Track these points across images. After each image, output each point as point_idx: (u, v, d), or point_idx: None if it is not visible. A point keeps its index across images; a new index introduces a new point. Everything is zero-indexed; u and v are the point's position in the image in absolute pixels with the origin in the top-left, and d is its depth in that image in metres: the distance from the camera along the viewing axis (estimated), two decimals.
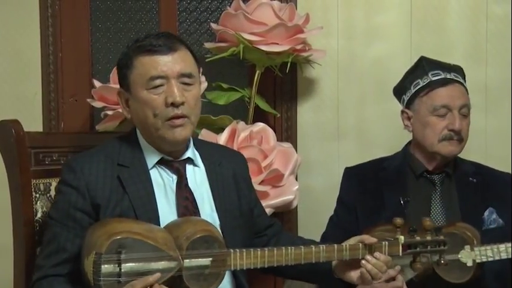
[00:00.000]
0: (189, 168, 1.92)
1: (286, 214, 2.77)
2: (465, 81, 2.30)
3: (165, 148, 1.87)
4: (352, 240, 1.86)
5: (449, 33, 2.81)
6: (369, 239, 1.82)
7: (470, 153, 2.32)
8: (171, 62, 1.82)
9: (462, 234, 2.09)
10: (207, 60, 2.65)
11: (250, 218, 1.99)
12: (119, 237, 1.62)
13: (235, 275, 1.90)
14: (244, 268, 1.74)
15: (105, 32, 2.89)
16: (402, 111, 2.33)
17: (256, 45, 2.53)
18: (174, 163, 1.89)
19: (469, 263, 2.07)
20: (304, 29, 2.60)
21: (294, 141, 2.81)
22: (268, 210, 2.48)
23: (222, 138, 2.48)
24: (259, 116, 2.71)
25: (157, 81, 1.81)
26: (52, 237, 1.79)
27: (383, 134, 2.81)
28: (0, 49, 2.79)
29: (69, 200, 1.79)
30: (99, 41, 2.89)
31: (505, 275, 2.16)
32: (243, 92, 2.69)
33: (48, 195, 1.99)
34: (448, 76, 2.26)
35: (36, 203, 1.96)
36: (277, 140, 2.62)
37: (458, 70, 2.30)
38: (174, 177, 1.88)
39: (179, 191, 1.86)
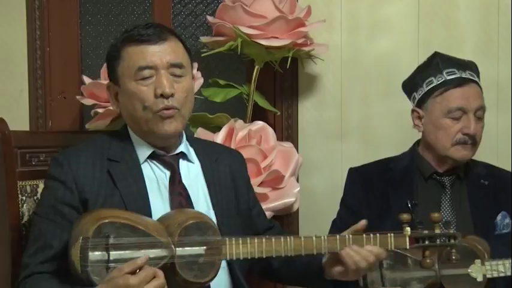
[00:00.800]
0: (182, 163, 1.92)
1: (286, 217, 2.77)
2: (479, 79, 2.29)
3: (156, 142, 1.88)
4: (345, 233, 1.85)
5: (459, 26, 2.82)
6: (358, 224, 1.83)
7: (481, 152, 2.31)
8: (160, 52, 1.83)
9: (473, 248, 2.09)
10: (203, 55, 2.65)
11: (248, 218, 2.00)
12: (106, 221, 1.63)
13: (233, 274, 1.89)
14: (241, 257, 1.73)
15: (96, 25, 2.88)
16: (413, 110, 2.31)
17: (255, 39, 2.52)
18: (167, 158, 1.90)
19: (479, 278, 2.08)
20: (305, 22, 2.59)
21: (295, 141, 2.81)
22: (267, 214, 2.47)
23: (219, 138, 2.47)
24: (258, 114, 2.71)
25: (146, 72, 1.82)
26: (38, 234, 1.79)
27: (389, 133, 2.81)
28: None
29: (56, 195, 1.80)
30: (89, 34, 2.87)
31: None
32: (241, 89, 2.69)
33: (35, 197, 1.99)
34: (464, 75, 2.24)
35: (22, 206, 1.96)
36: (277, 140, 2.61)
37: (473, 67, 2.29)
38: (167, 172, 1.88)
39: (172, 187, 1.86)
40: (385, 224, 2.15)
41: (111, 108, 2.45)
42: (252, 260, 1.83)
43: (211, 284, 1.80)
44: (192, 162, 1.95)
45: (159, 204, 1.83)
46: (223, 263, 1.82)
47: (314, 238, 1.78)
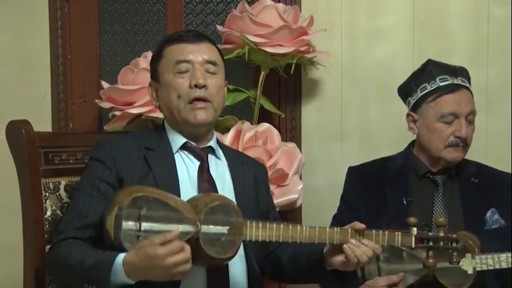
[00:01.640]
0: (211, 157, 1.95)
1: (290, 213, 2.76)
2: (470, 84, 2.29)
3: (188, 131, 1.92)
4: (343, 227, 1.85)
5: (451, 35, 2.81)
6: (358, 224, 1.81)
7: (472, 153, 2.31)
8: (197, 50, 1.91)
9: (464, 242, 2.08)
10: None
11: (266, 217, 1.99)
12: (140, 194, 1.66)
13: (248, 263, 1.90)
14: (260, 240, 1.74)
15: (113, 34, 2.89)
16: (408, 114, 2.31)
17: (261, 47, 2.53)
18: (197, 149, 1.93)
19: (470, 271, 2.07)
20: (308, 31, 2.59)
21: (298, 141, 2.80)
22: None
23: (227, 138, 2.47)
24: (264, 116, 2.71)
25: (183, 65, 1.89)
26: (75, 205, 1.84)
27: (386, 134, 2.81)
28: (11, 51, 2.79)
29: (96, 172, 1.84)
30: (107, 42, 2.88)
31: (505, 275, 2.15)
32: (248, 93, 2.69)
33: (57, 194, 2.00)
34: (456, 81, 2.24)
35: (45, 202, 1.96)
36: (282, 140, 2.61)
37: (464, 73, 2.28)
38: (197, 163, 1.92)
39: (201, 175, 1.90)
40: (381, 219, 2.15)
41: (127, 111, 2.47)
42: (267, 250, 1.83)
43: (230, 270, 1.82)
44: (220, 159, 1.98)
45: (188, 189, 1.86)
46: (241, 251, 1.84)
47: (327, 229, 1.79)
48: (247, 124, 2.57)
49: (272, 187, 2.50)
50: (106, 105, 2.58)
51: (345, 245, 1.79)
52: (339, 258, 1.82)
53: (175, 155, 1.91)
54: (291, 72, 2.64)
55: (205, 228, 1.67)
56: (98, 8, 2.86)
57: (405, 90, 2.34)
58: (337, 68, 2.82)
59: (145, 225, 1.64)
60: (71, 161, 2.03)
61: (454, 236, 1.85)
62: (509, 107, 2.78)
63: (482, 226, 2.21)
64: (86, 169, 1.89)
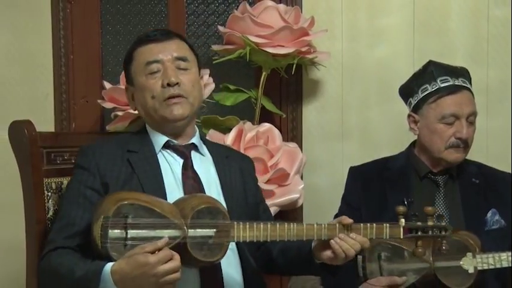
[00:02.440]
0: (195, 154, 1.94)
1: (291, 212, 2.75)
2: (471, 85, 2.27)
3: (168, 129, 1.91)
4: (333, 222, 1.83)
5: (451, 35, 2.80)
6: (346, 219, 1.80)
7: (472, 153, 2.30)
8: (166, 48, 1.89)
9: (465, 242, 2.07)
10: (214, 62, 2.65)
11: (255, 211, 1.99)
12: (126, 202, 1.64)
13: (242, 256, 1.90)
14: (248, 240, 1.73)
15: (115, 34, 2.88)
16: (409, 115, 2.29)
17: (263, 47, 2.52)
18: (180, 147, 1.92)
19: (471, 270, 2.06)
20: (309, 32, 2.59)
21: (299, 141, 2.80)
22: (274, 209, 2.47)
23: (229, 138, 2.47)
24: (266, 116, 2.70)
25: (154, 66, 1.87)
26: (63, 214, 1.83)
27: (386, 134, 2.80)
28: (13, 52, 2.79)
29: (81, 180, 1.84)
30: (109, 43, 2.88)
31: (505, 274, 2.14)
32: (249, 93, 2.69)
33: (59, 193, 1.99)
34: (457, 82, 2.22)
35: (48, 202, 1.96)
36: (283, 140, 2.61)
37: (465, 74, 2.27)
38: (181, 161, 1.90)
39: (185, 172, 1.88)
40: (382, 220, 2.12)
41: (130, 111, 2.46)
42: (258, 243, 1.82)
43: (222, 264, 1.81)
44: (204, 155, 1.96)
45: (173, 187, 1.85)
46: (233, 245, 1.84)
47: (315, 225, 1.77)
48: (248, 124, 2.57)
49: (273, 187, 2.50)
50: (108, 105, 2.57)
51: (331, 241, 1.77)
52: (327, 253, 1.80)
53: (158, 155, 1.90)
54: (292, 73, 2.63)
55: (192, 232, 1.66)
56: (100, 9, 2.85)
57: (406, 91, 2.33)
58: (338, 69, 2.81)
59: (131, 233, 1.62)
60: (73, 161, 2.01)
61: (443, 224, 1.85)
62: (509, 107, 2.77)
63: (483, 226, 2.20)
64: (72, 176, 1.88)
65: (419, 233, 1.83)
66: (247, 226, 1.72)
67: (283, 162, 2.53)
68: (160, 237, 1.63)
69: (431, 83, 2.23)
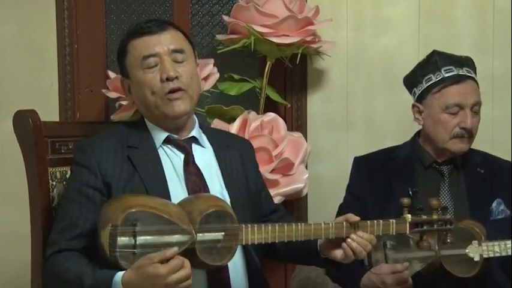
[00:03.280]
0: (195, 147, 1.92)
1: (296, 202, 2.75)
2: (476, 74, 2.26)
3: (168, 125, 1.88)
4: (339, 220, 1.81)
5: (457, 24, 2.78)
6: (352, 217, 1.78)
7: (477, 142, 2.29)
8: (161, 41, 1.85)
9: (470, 230, 2.07)
10: (219, 51, 2.64)
11: (257, 199, 1.98)
12: (134, 210, 1.61)
13: (247, 254, 1.88)
14: (256, 243, 1.72)
15: (120, 24, 2.87)
16: (413, 105, 2.28)
17: (267, 37, 2.51)
18: (180, 141, 1.90)
19: (476, 258, 2.06)
20: (314, 21, 2.57)
21: (304, 131, 2.79)
22: (278, 198, 2.47)
23: (233, 128, 2.46)
24: (270, 106, 2.69)
25: (151, 60, 1.84)
26: (64, 214, 1.79)
27: (391, 123, 2.79)
28: (18, 41, 2.78)
29: (81, 179, 1.80)
30: (114, 33, 2.87)
31: (510, 264, 2.13)
32: (254, 83, 2.68)
33: (64, 183, 1.98)
34: (461, 72, 2.21)
35: (52, 191, 1.95)
36: (288, 130, 2.60)
37: (470, 64, 2.26)
38: (182, 155, 1.88)
39: (187, 168, 1.86)
40: (387, 209, 2.12)
41: None
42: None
43: (229, 264, 1.79)
44: (204, 147, 1.94)
45: (176, 184, 1.83)
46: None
47: (323, 225, 1.75)
48: (253, 114, 2.56)
49: (278, 176, 2.49)
50: (113, 95, 2.57)
51: (343, 244, 1.76)
52: (336, 253, 1.79)
53: (158, 150, 1.87)
54: (297, 62, 2.62)
55: (200, 237, 1.64)
56: None
57: (411, 81, 2.31)
58: (343, 58, 2.80)
59: (140, 240, 1.60)
60: None
61: (448, 217, 1.84)
62: None
63: (488, 216, 2.19)
64: (71, 174, 1.86)
65: (424, 227, 1.83)
66: (256, 229, 1.70)
67: (287, 152, 2.53)
68: (169, 243, 1.60)
69: (435, 73, 2.22)
